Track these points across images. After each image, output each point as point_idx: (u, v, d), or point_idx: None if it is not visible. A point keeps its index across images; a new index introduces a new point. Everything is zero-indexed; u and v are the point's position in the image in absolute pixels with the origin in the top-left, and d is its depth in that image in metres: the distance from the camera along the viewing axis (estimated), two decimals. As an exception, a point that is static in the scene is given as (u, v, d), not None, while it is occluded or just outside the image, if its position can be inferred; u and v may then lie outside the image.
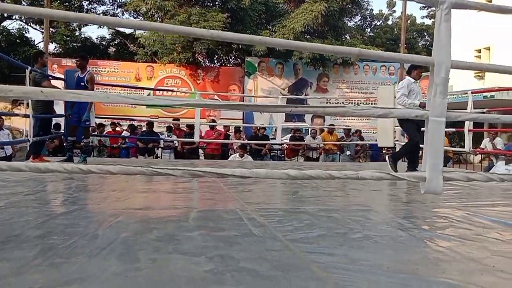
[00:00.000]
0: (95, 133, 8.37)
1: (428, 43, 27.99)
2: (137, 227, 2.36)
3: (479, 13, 18.33)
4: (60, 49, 23.36)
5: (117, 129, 10.42)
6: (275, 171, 1.74)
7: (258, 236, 2.19)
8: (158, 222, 2.47)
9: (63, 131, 7.56)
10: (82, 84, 5.72)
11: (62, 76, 7.08)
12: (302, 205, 3.25)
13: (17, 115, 6.06)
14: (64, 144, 6.63)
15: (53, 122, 9.19)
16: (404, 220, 2.73)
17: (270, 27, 20.81)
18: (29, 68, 5.12)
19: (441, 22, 1.93)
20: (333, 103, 20.33)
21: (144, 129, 9.94)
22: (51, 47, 24.05)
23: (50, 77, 6.25)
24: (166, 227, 2.35)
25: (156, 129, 12.03)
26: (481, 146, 9.33)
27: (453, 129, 7.63)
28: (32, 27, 22.36)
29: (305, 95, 20.24)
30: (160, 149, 9.44)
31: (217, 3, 18.96)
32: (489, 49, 19.27)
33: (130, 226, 2.40)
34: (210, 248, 1.95)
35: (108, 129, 10.39)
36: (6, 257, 1.74)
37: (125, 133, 10.43)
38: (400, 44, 17.10)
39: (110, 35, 24.78)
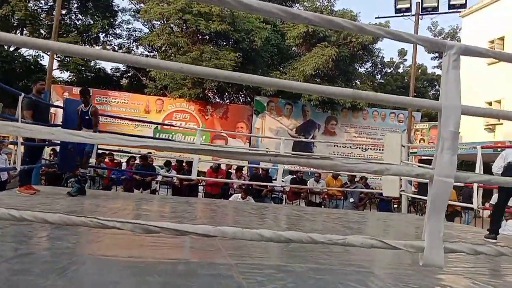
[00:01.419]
0: (92, 163, 8.15)
1: (438, 92, 27.99)
2: (92, 281, 2.08)
3: (490, 66, 18.31)
4: (74, 78, 23.70)
5: (115, 160, 10.23)
6: (246, 231, 1.48)
7: (229, 301, 1.90)
8: (117, 275, 2.18)
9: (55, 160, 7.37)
10: (87, 117, 5.84)
11: (62, 105, 6.96)
12: (291, 261, 2.94)
13: (2, 142, 5.89)
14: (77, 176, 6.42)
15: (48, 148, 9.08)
16: (403, 289, 2.41)
17: (281, 68, 20.99)
18: (23, 94, 5.02)
19: (449, 69, 1.71)
20: (340, 146, 20.15)
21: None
22: (65, 75, 24.53)
23: (46, 105, 6.14)
24: (125, 282, 2.06)
25: (159, 162, 11.79)
26: (490, 202, 8.91)
27: (462, 183, 7.29)
28: (48, 54, 22.76)
29: (313, 137, 20.07)
30: (158, 184, 9.19)
31: (230, 42, 19.24)
32: (499, 102, 19.12)
33: (85, 278, 2.11)
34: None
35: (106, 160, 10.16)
36: None
37: (123, 165, 10.24)
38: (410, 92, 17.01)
39: (124, 67, 25.15)
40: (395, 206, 10.87)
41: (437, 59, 30.45)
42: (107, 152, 9.53)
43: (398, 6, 13.86)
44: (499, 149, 12.57)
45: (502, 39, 19.46)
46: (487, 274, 3.06)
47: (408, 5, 13.74)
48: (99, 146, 7.83)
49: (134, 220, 1.60)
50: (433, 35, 29.52)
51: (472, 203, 8.12)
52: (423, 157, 17.42)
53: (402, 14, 13.84)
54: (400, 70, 29.47)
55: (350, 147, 20.20)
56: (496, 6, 19.87)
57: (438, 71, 30.03)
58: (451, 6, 13.74)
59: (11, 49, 20.69)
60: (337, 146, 20.10)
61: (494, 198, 9.13)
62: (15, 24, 21.34)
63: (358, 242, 1.55)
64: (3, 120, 5.49)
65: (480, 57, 1.93)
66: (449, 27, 30.44)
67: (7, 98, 19.10)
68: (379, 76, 27.23)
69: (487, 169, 6.77)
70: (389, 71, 28.24)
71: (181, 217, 4.97)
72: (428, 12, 13.86)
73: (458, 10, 14.41)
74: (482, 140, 16.32)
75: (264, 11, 1.54)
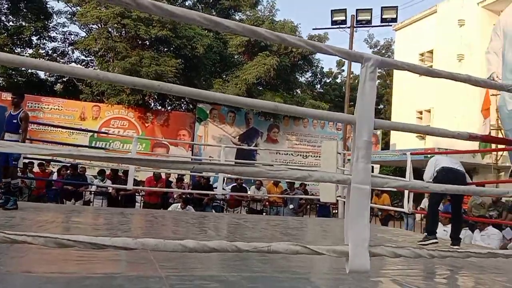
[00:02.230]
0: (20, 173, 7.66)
1: (374, 102, 29.34)
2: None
3: (421, 77, 19.51)
4: (4, 83, 22.23)
5: (47, 170, 9.68)
6: (168, 242, 1.43)
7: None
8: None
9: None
10: (15, 121, 5.49)
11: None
12: (224, 271, 2.90)
13: None
14: None
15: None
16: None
17: (224, 76, 20.99)
18: None
19: (366, 80, 1.77)
20: (282, 154, 20.48)
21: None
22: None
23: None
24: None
25: (94, 171, 11.31)
26: (420, 206, 9.42)
27: (394, 189, 7.63)
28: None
29: (256, 144, 20.23)
30: (92, 194, 8.80)
31: (171, 48, 18.98)
32: (429, 112, 20.37)
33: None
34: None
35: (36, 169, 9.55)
36: None
37: (55, 175, 9.72)
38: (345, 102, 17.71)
39: (59, 72, 23.98)
40: (335, 211, 11.17)
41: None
42: (36, 161, 8.99)
43: (334, 18, 14.48)
44: (428, 155, 13.36)
45: (431, 52, 20.80)
46: (418, 276, 3.19)
47: (343, 18, 14.37)
48: (26, 155, 7.39)
49: (59, 234, 1.49)
50: (369, 46, 31.06)
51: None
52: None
53: (338, 26, 14.44)
54: (338, 80, 30.61)
55: (292, 154, 20.58)
56: (425, 21, 21.23)
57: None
58: (383, 20, 14.57)
59: None
60: (279, 153, 20.41)
61: (424, 202, 9.68)
62: None
63: (283, 249, 1.56)
64: None
65: (396, 69, 2.03)
66: (384, 39, 32.11)
67: None
68: (318, 86, 28.07)
69: (418, 174, 7.18)
70: (328, 81, 29.20)
71: (115, 229, 4.78)
72: (362, 25, 14.58)
73: (390, 23, 15.31)
74: (414, 147, 17.28)
75: (187, 18, 1.52)
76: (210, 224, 5.98)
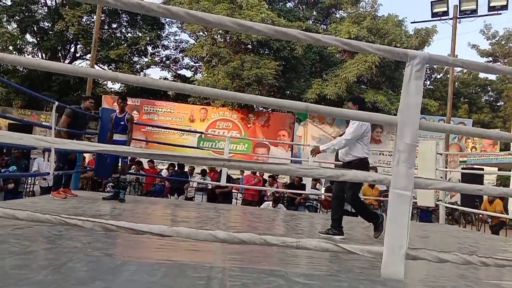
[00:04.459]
0: (132, 170, 8.56)
1: (492, 98, 26.54)
2: (78, 277, 2.21)
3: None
4: (125, 88, 24.86)
5: (156, 167, 10.64)
6: (200, 232, 1.54)
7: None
8: (104, 273, 2.30)
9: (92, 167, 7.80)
10: (122, 123, 6.10)
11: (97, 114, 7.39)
12: (289, 267, 2.95)
13: (35, 148, 6.33)
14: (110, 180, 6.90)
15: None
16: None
17: (324, 75, 20.83)
18: (56, 103, 5.41)
19: (411, 79, 1.68)
20: (386, 155, 19.60)
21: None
22: (117, 86, 25.81)
23: (89, 116, 6.53)
24: (114, 279, 2.17)
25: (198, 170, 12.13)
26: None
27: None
28: (100, 67, 24.04)
29: (357, 145, 19.68)
30: (193, 190, 9.46)
31: (272, 51, 19.40)
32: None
33: (74, 274, 2.25)
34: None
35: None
36: None
37: (164, 172, 10.63)
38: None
39: (172, 77, 26.08)
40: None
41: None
42: (145, 160, 9.93)
43: (435, 10, 13.38)
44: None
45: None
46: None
47: (445, 9, 13.19)
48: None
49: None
50: (486, 38, 28.08)
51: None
52: (474, 166, 16.60)
53: (439, 18, 13.33)
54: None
55: (396, 155, 19.58)
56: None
57: (491, 76, 28.49)
58: (491, 8, 13.03)
59: (66, 61, 22.04)
60: (383, 154, 19.59)
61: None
62: (70, 39, 22.74)
63: (312, 245, 1.57)
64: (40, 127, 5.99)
65: (446, 66, 1.88)
66: (504, 29, 28.68)
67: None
68: (428, 82, 26.34)
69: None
70: (438, 76, 27.23)
71: (201, 222, 5.11)
72: (466, 15, 13.22)
73: (499, 12, 13.62)
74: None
75: (220, 25, 1.61)
76: (293, 223, 6.04)
